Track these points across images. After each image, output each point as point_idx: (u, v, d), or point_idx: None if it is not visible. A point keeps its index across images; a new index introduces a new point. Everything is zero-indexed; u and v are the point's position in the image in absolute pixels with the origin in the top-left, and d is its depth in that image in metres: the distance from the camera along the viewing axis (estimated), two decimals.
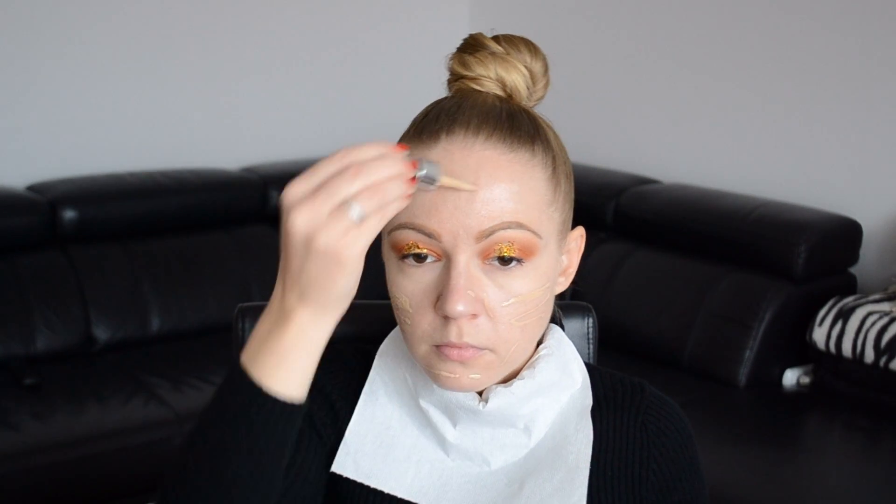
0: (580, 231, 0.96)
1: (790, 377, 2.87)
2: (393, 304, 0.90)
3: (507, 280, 0.86)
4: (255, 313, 1.18)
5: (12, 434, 2.52)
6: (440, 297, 0.85)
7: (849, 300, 2.75)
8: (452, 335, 0.85)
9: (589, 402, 0.97)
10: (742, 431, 2.63)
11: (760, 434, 2.63)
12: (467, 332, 0.85)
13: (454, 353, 0.86)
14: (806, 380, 2.86)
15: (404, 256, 0.86)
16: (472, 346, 0.86)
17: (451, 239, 0.84)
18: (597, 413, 0.97)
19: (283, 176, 3.47)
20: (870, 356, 2.64)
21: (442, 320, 0.86)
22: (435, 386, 0.91)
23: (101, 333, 3.03)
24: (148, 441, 2.63)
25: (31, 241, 3.02)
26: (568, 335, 1.00)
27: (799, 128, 3.13)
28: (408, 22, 3.92)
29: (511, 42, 0.91)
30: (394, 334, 1.00)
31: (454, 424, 0.92)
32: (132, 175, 3.26)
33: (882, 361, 2.61)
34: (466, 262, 0.85)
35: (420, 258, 0.86)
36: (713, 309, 2.91)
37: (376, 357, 0.99)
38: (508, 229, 0.84)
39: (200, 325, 3.17)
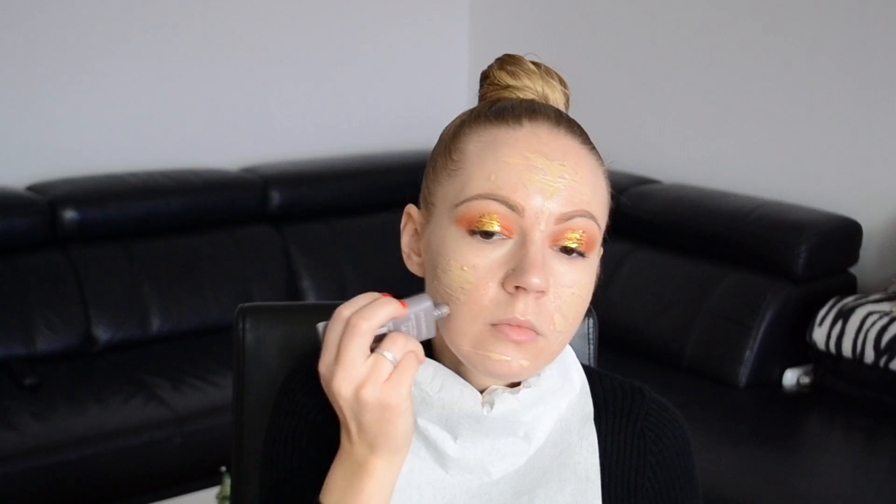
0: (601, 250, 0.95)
1: (790, 377, 2.87)
2: (444, 281, 0.88)
3: (569, 269, 0.87)
4: (255, 313, 1.19)
5: (12, 434, 2.52)
6: (514, 270, 0.84)
7: (849, 300, 2.75)
8: (518, 311, 0.85)
9: (590, 408, 0.96)
10: (742, 431, 2.63)
11: (760, 434, 2.63)
12: (533, 310, 0.85)
13: (515, 332, 0.85)
14: (806, 380, 2.86)
15: (473, 232, 0.86)
16: (532, 329, 0.86)
17: (532, 216, 0.85)
18: (596, 419, 0.97)
19: (283, 176, 3.48)
20: (870, 356, 2.64)
21: (507, 297, 0.85)
22: (436, 399, 0.90)
23: (101, 333, 3.03)
24: (148, 441, 2.63)
25: (31, 241, 3.01)
26: None
27: (799, 128, 3.13)
28: (408, 23, 3.92)
29: (546, 67, 0.96)
30: None
31: (455, 438, 0.91)
32: (132, 175, 3.25)
33: (882, 361, 2.61)
34: (542, 240, 0.85)
35: (488, 235, 0.86)
36: (713, 309, 2.91)
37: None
38: (584, 217, 0.87)
39: (200, 325, 3.17)
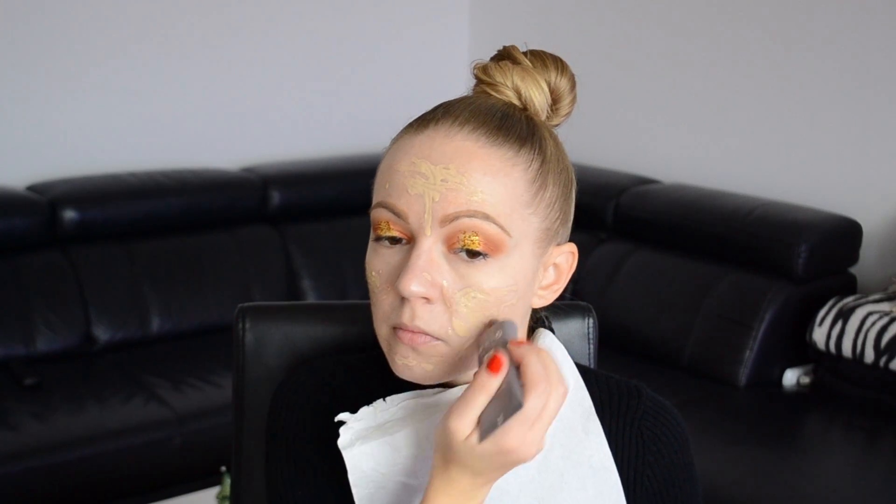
0: (571, 248, 0.95)
1: (790, 377, 2.87)
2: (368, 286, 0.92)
3: (470, 272, 0.87)
4: (255, 313, 1.19)
5: (12, 434, 2.52)
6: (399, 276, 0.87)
7: (849, 300, 2.75)
8: (405, 317, 0.87)
9: (588, 403, 0.95)
10: (742, 431, 2.63)
11: (760, 434, 2.63)
12: (420, 315, 0.86)
13: (406, 336, 0.87)
14: (806, 380, 2.86)
15: (378, 238, 0.89)
16: (425, 333, 0.87)
17: (416, 219, 0.86)
18: None
19: (283, 176, 3.48)
20: (870, 356, 2.64)
21: (399, 301, 0.87)
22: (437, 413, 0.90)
23: (101, 333, 3.03)
24: (148, 441, 2.63)
25: (31, 241, 3.01)
26: (568, 335, 0.99)
27: (799, 128, 3.13)
28: (407, 23, 3.92)
29: (538, 57, 0.94)
30: None
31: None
32: (132, 175, 3.26)
33: (882, 361, 2.61)
34: (430, 245, 0.86)
35: (394, 241, 0.88)
36: (713, 309, 2.91)
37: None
38: (473, 218, 0.86)
39: (200, 325, 3.17)
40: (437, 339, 0.87)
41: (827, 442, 2.70)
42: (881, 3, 2.91)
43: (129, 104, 3.38)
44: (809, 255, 2.84)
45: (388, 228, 0.88)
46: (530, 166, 0.89)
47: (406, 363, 0.88)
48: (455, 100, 0.93)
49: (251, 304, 1.20)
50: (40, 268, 3.00)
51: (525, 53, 0.95)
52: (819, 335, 2.74)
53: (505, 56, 0.95)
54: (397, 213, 0.87)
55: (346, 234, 3.50)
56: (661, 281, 3.06)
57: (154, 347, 3.08)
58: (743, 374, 2.82)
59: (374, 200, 0.90)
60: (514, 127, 0.90)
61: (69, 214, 3.05)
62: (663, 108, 3.50)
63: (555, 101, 0.95)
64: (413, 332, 0.87)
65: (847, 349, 2.68)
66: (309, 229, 3.48)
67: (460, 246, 0.86)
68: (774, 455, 2.49)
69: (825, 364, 2.77)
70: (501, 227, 0.86)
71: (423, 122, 0.91)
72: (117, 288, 3.07)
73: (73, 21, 3.24)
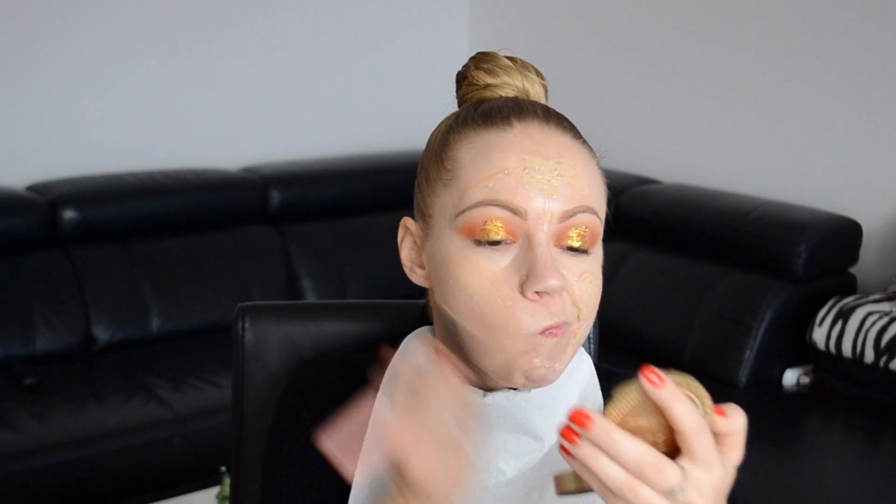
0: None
1: (790, 377, 2.87)
2: (462, 294, 0.86)
3: (576, 263, 0.87)
4: (255, 313, 1.18)
5: (12, 434, 2.52)
6: (527, 276, 0.83)
7: (849, 300, 2.75)
8: (553, 315, 0.84)
9: (600, 401, 0.96)
10: None
11: (760, 434, 2.61)
12: (559, 309, 0.84)
13: (552, 335, 0.84)
14: (806, 380, 2.86)
15: (479, 242, 0.85)
16: (564, 323, 0.85)
17: (536, 217, 0.84)
18: None
19: (283, 176, 3.48)
20: (870, 356, 2.64)
21: (532, 304, 0.83)
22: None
23: (101, 333, 3.03)
24: (148, 441, 2.63)
25: (31, 241, 3.01)
26: None
27: (799, 128, 3.13)
28: (407, 23, 3.92)
29: (521, 61, 0.94)
30: (398, 358, 0.96)
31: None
32: (132, 175, 3.26)
33: (882, 361, 2.61)
34: (547, 241, 0.85)
35: (495, 244, 0.84)
36: (713, 309, 2.91)
37: (380, 389, 0.96)
38: (586, 213, 0.86)
39: (200, 325, 3.17)
40: (570, 323, 0.86)
41: (827, 442, 2.70)
42: (881, 3, 2.91)
43: (130, 104, 3.38)
44: (809, 255, 2.84)
45: (498, 230, 0.84)
46: (598, 159, 0.92)
47: (552, 366, 0.85)
48: (510, 99, 0.91)
49: (251, 303, 1.19)
50: (40, 268, 2.99)
51: (507, 58, 0.94)
52: (819, 335, 2.74)
53: (490, 59, 0.94)
54: (514, 211, 0.84)
55: (346, 234, 3.50)
56: (661, 281, 3.06)
57: (154, 347, 3.07)
58: (743, 374, 2.82)
59: (471, 200, 0.84)
60: (571, 123, 0.91)
61: (69, 214, 3.05)
62: (663, 108, 3.50)
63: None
64: (558, 327, 0.84)
65: (847, 349, 2.68)
66: (309, 229, 3.48)
67: (567, 243, 0.86)
68: (774, 455, 2.49)
69: (825, 364, 2.77)
70: (601, 220, 0.88)
71: (503, 116, 0.88)
72: (117, 288, 3.07)
73: (74, 22, 3.24)
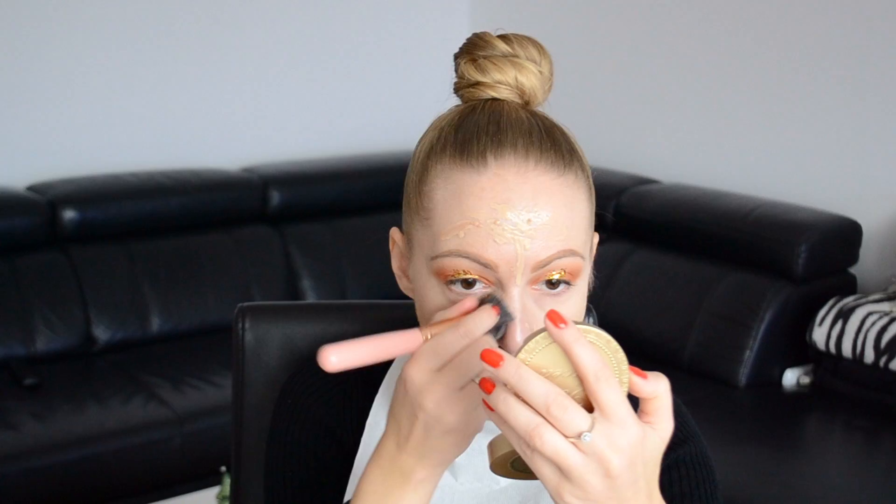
0: (596, 237, 0.92)
1: (790, 377, 2.87)
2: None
3: (554, 302, 0.83)
4: (255, 313, 1.19)
5: (12, 434, 2.52)
6: (497, 329, 0.81)
7: (849, 300, 2.75)
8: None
9: None
10: (742, 431, 2.63)
11: (760, 434, 2.63)
12: None
13: None
14: (806, 380, 2.86)
15: (451, 282, 0.83)
16: None
17: (507, 269, 0.81)
18: None
19: (283, 176, 3.48)
20: (870, 356, 2.64)
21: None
22: None
23: (101, 333, 3.03)
24: (148, 441, 2.63)
25: (31, 241, 3.01)
26: None
27: (799, 128, 3.13)
28: (408, 22, 3.92)
29: (520, 42, 0.87)
30: (401, 360, 0.96)
31: None
32: (132, 175, 3.26)
33: (882, 361, 2.61)
34: (520, 292, 0.81)
35: (468, 283, 0.82)
36: (713, 309, 2.91)
37: (382, 386, 0.96)
38: (564, 258, 0.82)
39: (200, 325, 3.17)
40: None
41: (827, 442, 2.70)
42: (880, 3, 2.91)
43: (129, 104, 3.38)
44: (809, 255, 2.84)
45: (469, 275, 0.82)
46: (585, 182, 0.86)
47: None
48: (480, 119, 0.85)
49: (251, 303, 1.20)
50: (40, 268, 3.00)
51: (504, 39, 0.87)
52: (819, 335, 2.74)
53: (483, 45, 0.87)
54: (484, 264, 0.81)
55: (346, 234, 3.51)
56: (661, 281, 3.06)
57: (154, 347, 3.08)
58: (743, 374, 2.82)
59: (442, 248, 0.82)
60: (560, 143, 0.85)
61: (69, 214, 3.05)
62: (663, 108, 3.50)
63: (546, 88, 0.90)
64: None
65: (847, 349, 2.68)
66: (309, 229, 3.48)
67: (543, 280, 0.82)
68: (774, 455, 2.49)
69: (825, 364, 2.77)
70: (581, 257, 0.83)
71: (478, 156, 0.83)
72: (117, 288, 3.07)
73: (74, 21, 3.24)
